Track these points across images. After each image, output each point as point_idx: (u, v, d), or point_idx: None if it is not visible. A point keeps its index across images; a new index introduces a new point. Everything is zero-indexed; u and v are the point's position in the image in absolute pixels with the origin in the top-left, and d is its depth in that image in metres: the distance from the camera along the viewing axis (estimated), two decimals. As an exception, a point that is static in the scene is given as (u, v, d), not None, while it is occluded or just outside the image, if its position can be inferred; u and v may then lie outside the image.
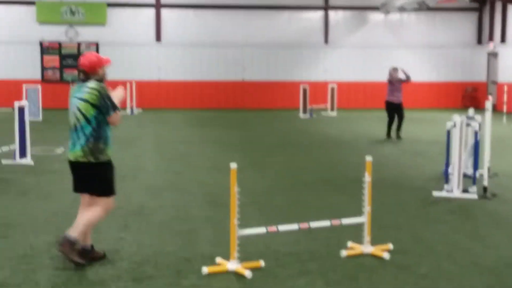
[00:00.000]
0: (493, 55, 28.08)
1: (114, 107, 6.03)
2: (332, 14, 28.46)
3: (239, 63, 27.92)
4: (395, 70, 17.04)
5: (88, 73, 6.06)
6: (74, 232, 5.95)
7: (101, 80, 6.10)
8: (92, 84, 5.98)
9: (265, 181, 10.71)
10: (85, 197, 6.22)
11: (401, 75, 17.06)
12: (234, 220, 5.84)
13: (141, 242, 6.85)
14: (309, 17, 28.46)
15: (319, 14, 28.40)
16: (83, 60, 6.10)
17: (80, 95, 6.00)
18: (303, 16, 28.43)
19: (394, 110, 16.80)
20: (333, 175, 11.38)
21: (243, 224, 6.08)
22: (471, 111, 10.30)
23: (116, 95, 6.23)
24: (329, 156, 13.91)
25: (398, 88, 16.83)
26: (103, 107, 5.95)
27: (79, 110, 5.98)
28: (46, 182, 10.37)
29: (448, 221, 8.02)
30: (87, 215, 6.05)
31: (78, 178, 6.15)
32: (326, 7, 28.30)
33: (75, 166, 6.11)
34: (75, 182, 6.20)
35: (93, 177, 6.06)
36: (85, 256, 6.09)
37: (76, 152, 6.02)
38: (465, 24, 29.19)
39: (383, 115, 17.36)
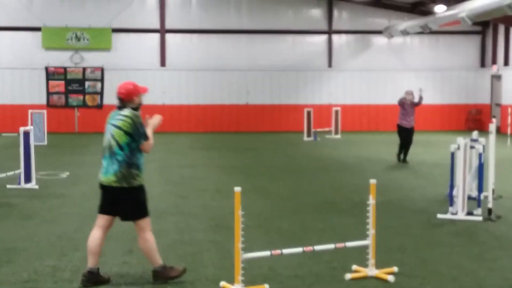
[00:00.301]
0: (496, 78, 28.13)
1: (145, 137, 6.21)
2: (335, 38, 28.60)
3: (243, 87, 28.02)
4: (409, 93, 16.55)
5: (125, 100, 6.26)
6: (154, 262, 6.30)
7: (137, 108, 6.30)
8: (126, 112, 6.17)
9: (269, 204, 10.71)
10: (105, 220, 6.35)
11: (416, 98, 16.58)
12: (238, 244, 5.85)
13: (145, 266, 6.84)
14: (312, 41, 28.61)
15: (323, 38, 28.53)
16: (120, 88, 6.28)
17: (114, 122, 6.18)
18: (307, 40, 28.57)
19: (406, 134, 16.44)
20: (337, 198, 11.38)
21: (247, 248, 6.08)
22: (475, 134, 10.31)
23: (153, 123, 6.44)
24: (334, 179, 13.91)
25: (411, 112, 16.41)
26: (135, 135, 6.15)
27: (113, 136, 6.17)
28: (50, 207, 10.39)
29: (453, 244, 8.00)
30: (146, 245, 6.29)
31: (108, 201, 6.32)
32: (329, 31, 28.44)
33: (107, 190, 6.28)
34: (104, 204, 6.36)
35: (127, 202, 6.24)
36: (90, 280, 6.13)
37: (109, 177, 6.19)
38: (468, 47, 29.29)
39: (387, 138, 17.40)
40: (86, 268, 6.29)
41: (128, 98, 6.25)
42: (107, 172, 6.22)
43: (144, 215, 6.31)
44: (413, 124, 16.59)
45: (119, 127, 6.13)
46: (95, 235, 6.28)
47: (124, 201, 6.23)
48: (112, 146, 6.16)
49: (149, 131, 6.35)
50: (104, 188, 6.29)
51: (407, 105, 16.39)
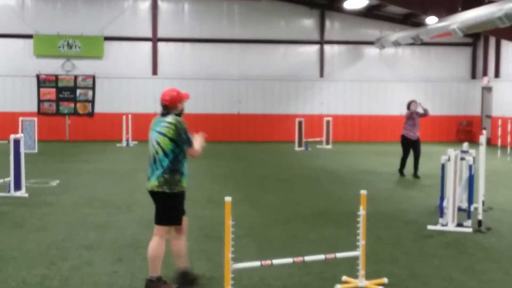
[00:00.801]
0: (487, 90, 28.28)
1: (190, 142, 6.29)
2: (327, 48, 28.68)
3: (235, 96, 28.04)
4: (414, 103, 16.02)
5: (169, 107, 6.36)
6: (153, 270, 6.25)
7: (180, 114, 6.43)
8: (170, 118, 6.27)
9: (260, 214, 10.69)
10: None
11: (420, 109, 16.03)
12: (229, 254, 5.83)
13: (134, 276, 6.81)
14: (304, 51, 28.68)
15: (315, 48, 28.61)
16: (165, 95, 6.39)
17: (159, 129, 6.29)
18: (299, 50, 28.65)
19: (410, 146, 15.81)
20: (328, 209, 11.37)
21: (237, 258, 6.07)
22: (465, 145, 10.35)
23: (198, 140, 6.52)
24: (325, 189, 13.91)
25: (416, 122, 15.79)
26: (179, 141, 6.23)
27: (158, 143, 6.27)
28: (40, 215, 10.34)
29: (443, 255, 8.00)
30: (155, 250, 6.25)
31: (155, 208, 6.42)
32: (321, 42, 28.53)
33: (152, 196, 6.37)
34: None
35: (161, 205, 6.30)
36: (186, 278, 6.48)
37: (152, 183, 6.28)
38: (459, 58, 29.44)
39: (379, 148, 17.37)
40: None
41: (172, 104, 6.35)
42: (151, 178, 6.32)
43: (167, 222, 6.32)
44: (418, 135, 15.97)
45: (164, 134, 6.23)
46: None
47: (160, 205, 6.31)
48: (157, 153, 6.26)
49: (196, 144, 6.44)
50: (150, 194, 6.38)
51: (414, 115, 15.80)
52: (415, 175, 15.72)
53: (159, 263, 6.30)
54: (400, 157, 16.19)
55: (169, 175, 6.20)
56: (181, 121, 6.30)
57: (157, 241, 6.26)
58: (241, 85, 27.93)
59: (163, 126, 6.25)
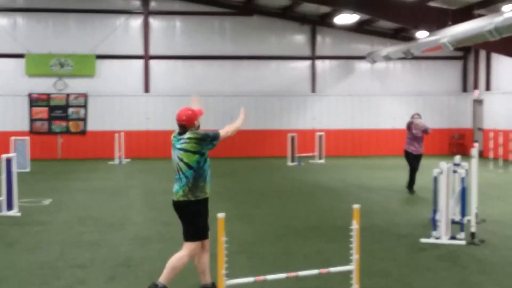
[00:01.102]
0: (478, 102, 28.42)
1: (216, 137, 6.54)
2: (319, 63, 28.80)
3: (228, 113, 28.01)
4: (417, 116, 15.41)
5: (187, 126, 6.56)
6: (164, 278, 6.49)
7: (197, 129, 6.63)
8: (188, 134, 6.49)
9: (253, 230, 10.67)
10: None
11: (420, 121, 15.27)
12: (222, 271, 5.81)
13: (128, 294, 6.78)
14: (296, 67, 28.79)
15: (306, 63, 28.73)
16: (181, 116, 6.62)
17: (180, 146, 6.50)
18: (291, 66, 28.75)
19: (414, 160, 15.28)
20: (321, 223, 11.36)
21: (231, 274, 6.04)
22: (457, 158, 10.38)
23: (238, 122, 6.82)
24: (318, 203, 13.90)
25: (419, 137, 15.23)
26: (204, 148, 6.48)
27: (181, 159, 6.48)
28: (33, 234, 10.29)
29: (436, 268, 8.00)
30: (175, 262, 6.50)
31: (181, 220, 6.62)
32: (313, 57, 28.65)
33: (177, 207, 6.56)
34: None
35: (188, 216, 6.53)
36: None
37: (178, 193, 6.52)
38: (450, 72, 29.60)
39: (371, 162, 17.37)
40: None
41: (190, 124, 6.57)
42: (177, 190, 6.51)
43: (194, 237, 6.54)
44: (421, 151, 15.35)
45: (185, 150, 6.45)
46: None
47: (186, 215, 6.52)
48: (181, 168, 6.46)
49: (235, 125, 6.74)
50: (176, 207, 6.57)
51: (415, 129, 15.24)
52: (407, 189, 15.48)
53: (173, 275, 6.48)
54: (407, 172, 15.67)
55: (193, 183, 6.44)
56: (197, 131, 6.54)
57: (182, 255, 6.49)
58: (233, 101, 27.94)
59: (183, 142, 6.47)
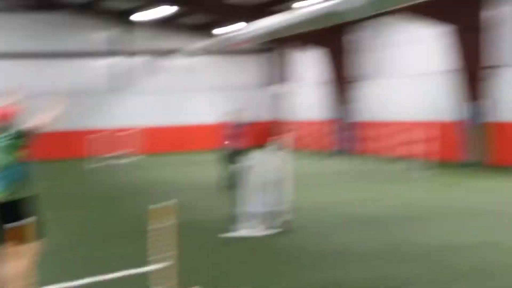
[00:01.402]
0: (281, 95, 29.66)
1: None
2: (125, 60, 28.17)
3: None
4: (239, 111, 15.59)
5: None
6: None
7: None
8: None
9: (54, 238, 10.20)
10: None
11: (247, 118, 15.54)
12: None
13: None
14: (98, 65, 27.99)
15: (110, 61, 28.01)
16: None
17: None
18: (92, 64, 27.89)
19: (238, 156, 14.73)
20: (124, 225, 11.20)
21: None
22: (262, 150, 10.55)
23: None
24: (125, 205, 13.70)
25: (241, 132, 15.39)
26: None
27: None
28: None
29: (245, 261, 8.17)
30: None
31: None
32: (116, 53, 27.97)
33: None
34: None
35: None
36: None
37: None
38: (256, 66, 30.63)
39: (180, 160, 17.29)
40: None
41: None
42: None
43: None
44: (242, 146, 15.16)
45: None
46: None
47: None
48: None
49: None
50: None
51: (232, 126, 15.42)
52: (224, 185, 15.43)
53: None
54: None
55: None
56: None
57: None
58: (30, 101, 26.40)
59: None
